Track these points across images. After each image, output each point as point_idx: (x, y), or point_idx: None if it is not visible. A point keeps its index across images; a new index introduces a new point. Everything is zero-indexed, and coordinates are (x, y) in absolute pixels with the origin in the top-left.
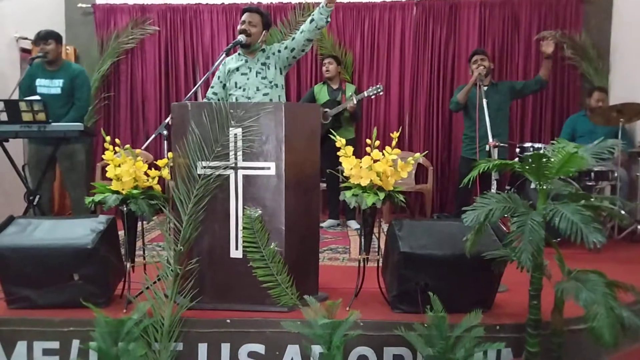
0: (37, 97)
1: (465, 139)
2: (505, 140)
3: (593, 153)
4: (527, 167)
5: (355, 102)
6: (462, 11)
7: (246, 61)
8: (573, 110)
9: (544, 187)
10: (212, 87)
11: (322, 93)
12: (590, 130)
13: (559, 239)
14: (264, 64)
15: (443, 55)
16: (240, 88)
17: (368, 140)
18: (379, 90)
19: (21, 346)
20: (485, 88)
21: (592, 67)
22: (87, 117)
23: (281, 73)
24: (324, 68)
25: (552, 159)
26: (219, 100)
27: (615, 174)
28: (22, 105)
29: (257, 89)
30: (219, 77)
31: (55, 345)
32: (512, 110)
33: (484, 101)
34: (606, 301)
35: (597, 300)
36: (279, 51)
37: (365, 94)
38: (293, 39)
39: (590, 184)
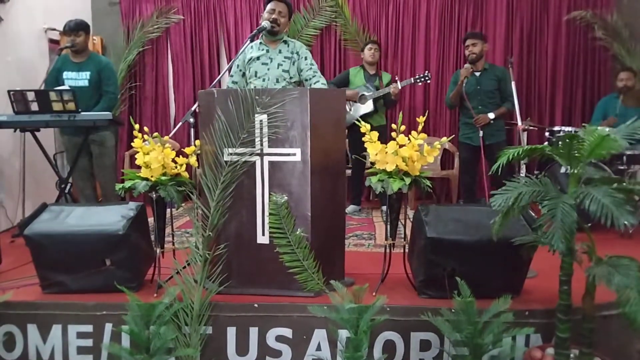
0: (66, 87)
1: (461, 124)
2: (529, 124)
3: (625, 134)
4: (558, 150)
5: (400, 87)
6: None
7: (267, 51)
8: (604, 92)
9: (575, 171)
10: (232, 76)
11: (358, 77)
12: (622, 113)
13: (589, 225)
14: (287, 57)
15: None
16: (259, 78)
17: (394, 125)
18: (426, 77)
19: (56, 329)
20: (478, 74)
21: (624, 48)
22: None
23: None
24: (369, 52)
25: (584, 142)
26: None
27: None
28: (52, 95)
29: (277, 81)
30: (238, 65)
31: (88, 328)
32: (541, 92)
33: (513, 85)
34: (639, 285)
35: (630, 285)
36: (299, 57)
37: (412, 80)
38: (308, 71)
39: (622, 167)
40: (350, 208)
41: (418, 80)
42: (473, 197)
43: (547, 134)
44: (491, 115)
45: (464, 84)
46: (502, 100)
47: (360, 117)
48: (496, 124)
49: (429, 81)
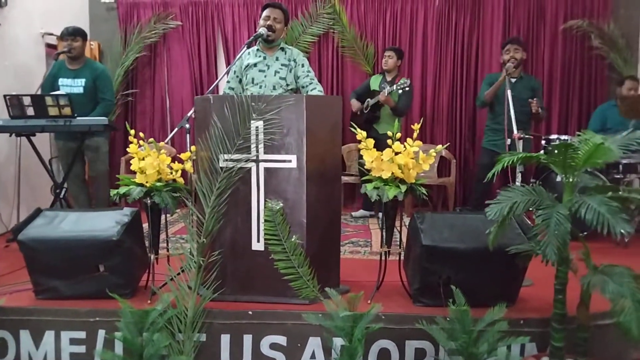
0: (62, 92)
1: (487, 130)
2: (529, 132)
3: (621, 145)
4: (552, 158)
5: (386, 94)
6: (485, 0)
7: (264, 58)
8: (601, 101)
9: (570, 180)
10: (229, 82)
11: (375, 83)
12: (621, 121)
13: (585, 233)
14: (284, 64)
15: (467, 46)
16: (256, 84)
17: (389, 132)
18: (405, 85)
19: (49, 335)
20: (514, 80)
21: (620, 57)
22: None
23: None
24: (383, 60)
25: (579, 150)
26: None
27: None
28: (48, 100)
29: (274, 88)
30: (234, 71)
31: (81, 335)
32: None
33: (509, 92)
34: (634, 295)
35: (625, 294)
36: (296, 64)
37: (395, 87)
38: (304, 78)
39: (618, 176)
40: (359, 212)
41: (399, 88)
42: (482, 205)
43: (543, 142)
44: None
45: (505, 81)
46: None
47: (369, 124)
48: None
49: (407, 89)
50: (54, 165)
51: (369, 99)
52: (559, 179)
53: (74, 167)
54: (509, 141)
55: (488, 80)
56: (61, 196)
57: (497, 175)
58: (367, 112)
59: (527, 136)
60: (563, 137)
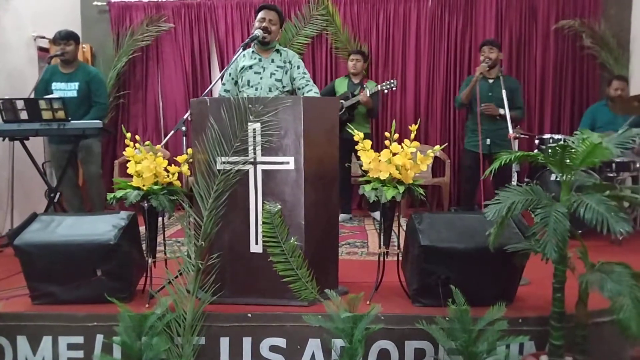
0: (56, 96)
1: (467, 130)
2: (520, 132)
3: (617, 143)
4: (550, 158)
5: (368, 94)
6: (478, 1)
7: (260, 60)
8: (593, 100)
9: (567, 179)
10: (224, 84)
11: (341, 86)
12: (610, 121)
13: (580, 231)
14: (280, 67)
15: (459, 46)
16: (252, 87)
17: (387, 134)
18: (392, 85)
19: (46, 341)
20: (491, 81)
21: (612, 56)
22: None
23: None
24: (350, 63)
25: (576, 150)
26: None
27: (637, 165)
28: (42, 104)
29: (270, 90)
30: (230, 73)
31: (79, 340)
32: (530, 100)
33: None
34: (632, 292)
35: (623, 292)
36: (291, 66)
37: (379, 87)
38: (300, 80)
39: (611, 175)
40: (340, 217)
41: (384, 88)
42: (472, 206)
43: (536, 141)
44: (501, 111)
45: (477, 83)
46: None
47: (342, 125)
48: (503, 134)
49: (394, 88)
50: (47, 169)
51: (342, 101)
52: (553, 177)
53: (67, 171)
54: (488, 141)
55: (467, 82)
56: (55, 200)
57: (490, 176)
58: (343, 113)
59: (522, 136)
60: (556, 136)
